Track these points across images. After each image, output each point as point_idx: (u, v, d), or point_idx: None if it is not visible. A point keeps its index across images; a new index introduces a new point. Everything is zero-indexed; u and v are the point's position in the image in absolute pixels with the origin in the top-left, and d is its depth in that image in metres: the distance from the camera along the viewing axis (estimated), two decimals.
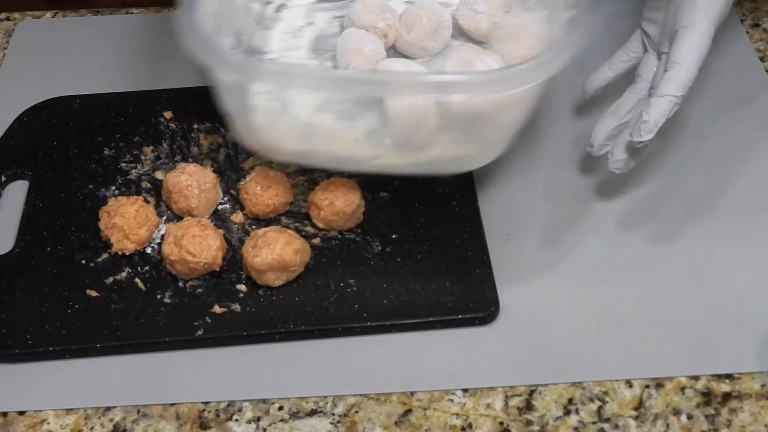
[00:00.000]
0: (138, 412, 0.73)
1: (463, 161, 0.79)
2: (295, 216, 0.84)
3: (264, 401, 0.73)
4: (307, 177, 0.86)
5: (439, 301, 0.77)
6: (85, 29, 1.06)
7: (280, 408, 0.73)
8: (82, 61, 1.02)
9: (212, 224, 0.81)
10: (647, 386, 0.73)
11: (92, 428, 0.72)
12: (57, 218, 0.84)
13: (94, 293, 0.78)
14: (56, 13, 1.09)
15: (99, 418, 0.73)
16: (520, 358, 0.75)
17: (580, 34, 0.70)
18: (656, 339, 0.75)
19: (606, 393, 0.73)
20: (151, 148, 0.90)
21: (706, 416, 0.71)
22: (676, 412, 0.71)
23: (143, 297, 0.78)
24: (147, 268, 0.80)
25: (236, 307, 0.77)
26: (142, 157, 0.89)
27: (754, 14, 1.04)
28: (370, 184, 0.85)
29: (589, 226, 0.83)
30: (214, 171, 0.87)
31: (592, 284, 0.79)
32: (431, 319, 0.76)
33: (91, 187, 0.87)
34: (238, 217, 0.84)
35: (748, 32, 1.01)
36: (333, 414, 0.72)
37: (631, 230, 0.83)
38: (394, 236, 0.82)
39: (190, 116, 0.92)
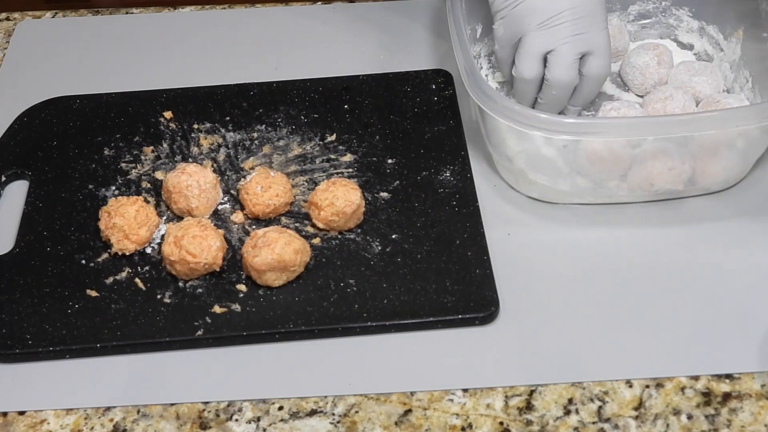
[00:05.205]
0: (138, 412, 0.73)
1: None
2: (295, 216, 0.84)
3: (264, 401, 0.73)
4: (307, 177, 0.86)
5: (439, 301, 0.77)
6: (85, 29, 1.06)
7: (280, 408, 0.73)
8: (82, 61, 1.02)
9: (212, 224, 0.81)
10: (647, 386, 0.73)
11: (92, 428, 0.72)
12: (57, 218, 0.84)
13: (94, 293, 0.78)
14: (56, 13, 1.09)
15: (99, 418, 0.73)
16: (520, 358, 0.75)
17: None
18: (656, 339, 0.75)
19: (606, 393, 0.73)
20: (151, 148, 0.90)
21: (706, 416, 0.71)
22: (676, 412, 0.71)
23: (143, 297, 0.78)
24: (147, 268, 0.80)
25: (236, 307, 0.77)
26: (142, 157, 0.89)
27: None
28: (370, 184, 0.85)
29: (589, 226, 0.83)
30: (214, 171, 0.87)
31: (592, 284, 0.79)
32: (431, 319, 0.76)
33: (91, 187, 0.87)
34: (238, 217, 0.84)
35: None
36: (333, 414, 0.72)
37: (632, 230, 0.83)
38: (394, 236, 0.81)
39: (190, 116, 0.92)
